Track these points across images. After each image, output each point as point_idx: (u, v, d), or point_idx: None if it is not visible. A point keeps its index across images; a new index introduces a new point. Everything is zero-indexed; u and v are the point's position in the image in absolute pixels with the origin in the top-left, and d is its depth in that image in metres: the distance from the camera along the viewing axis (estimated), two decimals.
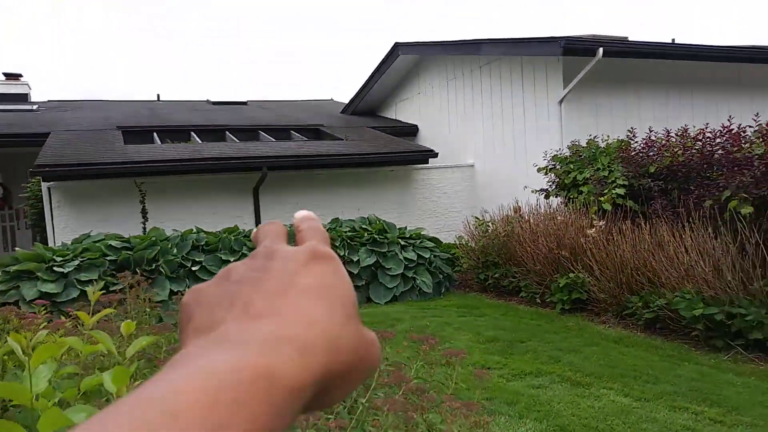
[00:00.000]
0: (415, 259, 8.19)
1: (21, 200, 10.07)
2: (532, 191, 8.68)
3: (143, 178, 8.90)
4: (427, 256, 8.29)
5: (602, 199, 7.05)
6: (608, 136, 8.23)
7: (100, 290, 6.18)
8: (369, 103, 14.87)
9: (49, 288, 6.61)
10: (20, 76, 15.58)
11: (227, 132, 11.76)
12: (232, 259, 7.57)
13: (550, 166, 8.44)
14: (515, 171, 10.03)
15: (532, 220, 7.74)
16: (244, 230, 8.20)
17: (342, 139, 11.25)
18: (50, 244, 8.44)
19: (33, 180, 9.04)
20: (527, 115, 9.73)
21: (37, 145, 9.50)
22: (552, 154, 8.46)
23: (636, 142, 7.63)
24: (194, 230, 8.01)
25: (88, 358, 1.42)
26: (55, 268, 6.86)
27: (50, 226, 8.53)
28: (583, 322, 6.22)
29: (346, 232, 8.38)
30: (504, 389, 4.24)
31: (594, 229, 6.59)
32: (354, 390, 0.32)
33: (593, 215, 7.00)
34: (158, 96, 17.69)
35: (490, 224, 8.58)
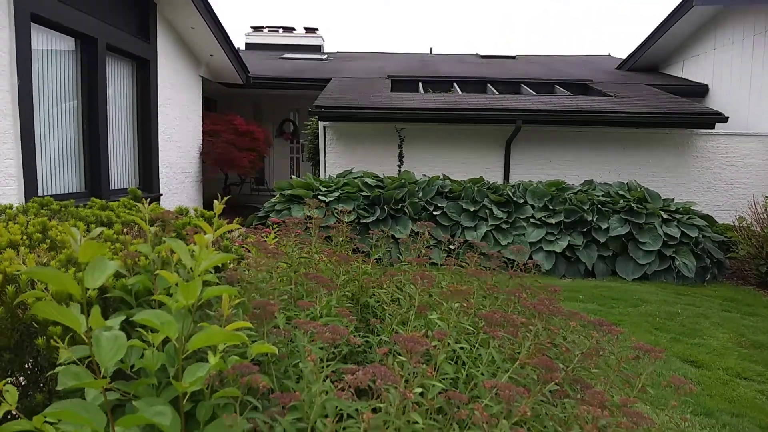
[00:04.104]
0: (677, 236, 7.15)
1: (305, 136, 11.54)
2: None
3: (403, 124, 9.36)
4: (693, 234, 7.16)
5: None
6: None
7: (353, 220, 6.71)
8: (651, 58, 13.21)
9: (313, 213, 7.43)
10: (316, 29, 17.63)
11: (488, 84, 11.65)
12: (472, 209, 7.58)
13: None
14: None
15: None
16: (488, 182, 8.10)
17: (611, 96, 10.23)
18: (321, 176, 9.52)
19: (312, 119, 10.24)
20: None
21: (322, 90, 10.69)
22: None
23: None
24: (440, 177, 8.20)
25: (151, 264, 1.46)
26: (319, 197, 7.72)
27: (323, 160, 9.60)
28: None
29: (598, 196, 7.70)
30: (760, 408, 3.45)
31: None
32: None
33: None
34: (431, 49, 18.36)
35: None
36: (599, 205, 7.49)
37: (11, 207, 2.81)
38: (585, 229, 7.31)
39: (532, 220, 7.53)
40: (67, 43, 6.39)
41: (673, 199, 8.31)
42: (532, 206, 7.68)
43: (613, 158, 9.43)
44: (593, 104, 9.44)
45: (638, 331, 4.87)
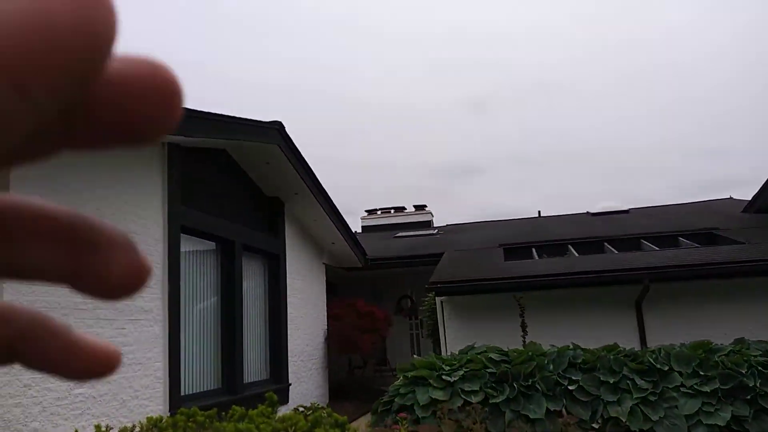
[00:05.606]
0: None
1: (423, 312, 11.60)
2: None
3: (521, 293, 9.20)
4: None
5: None
6: None
7: (481, 401, 6.39)
8: None
9: (438, 395, 7.21)
10: (425, 206, 18.64)
11: (605, 243, 11.36)
12: (611, 381, 6.97)
13: None
14: None
15: None
16: (623, 348, 7.51)
17: (743, 243, 9.55)
18: (443, 352, 9.35)
19: (429, 294, 10.36)
20: None
21: (435, 264, 10.96)
22: None
23: None
24: (570, 347, 7.74)
25: None
26: (443, 377, 7.50)
27: (443, 335, 9.50)
28: None
29: (755, 356, 6.83)
30: None
31: None
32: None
33: None
34: (539, 212, 18.54)
35: None
36: (760, 367, 6.62)
37: (161, 419, 3.00)
38: (749, 397, 6.41)
39: (682, 389, 6.75)
40: (208, 246, 7.19)
41: None
42: (680, 373, 6.94)
43: (764, 311, 8.50)
44: (725, 254, 8.82)
45: None
